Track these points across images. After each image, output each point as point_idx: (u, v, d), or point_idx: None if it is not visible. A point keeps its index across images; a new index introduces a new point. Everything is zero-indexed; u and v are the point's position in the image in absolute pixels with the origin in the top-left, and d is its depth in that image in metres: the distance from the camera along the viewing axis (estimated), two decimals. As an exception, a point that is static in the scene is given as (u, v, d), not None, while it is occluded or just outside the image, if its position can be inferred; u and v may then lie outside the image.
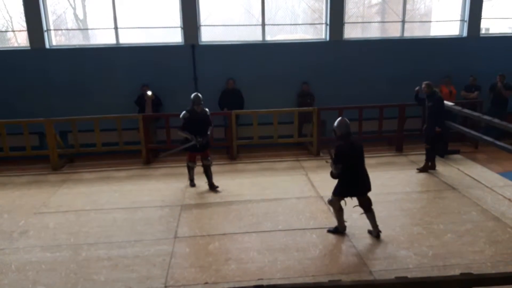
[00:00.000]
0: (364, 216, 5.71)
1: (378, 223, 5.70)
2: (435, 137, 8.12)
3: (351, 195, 5.59)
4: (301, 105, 10.00)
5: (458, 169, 8.31)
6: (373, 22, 11.35)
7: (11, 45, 10.47)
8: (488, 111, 9.67)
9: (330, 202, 5.74)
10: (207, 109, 7.47)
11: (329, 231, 5.86)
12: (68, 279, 4.91)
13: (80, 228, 6.16)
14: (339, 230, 5.81)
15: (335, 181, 5.59)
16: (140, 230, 6.05)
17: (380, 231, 5.69)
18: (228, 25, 10.55)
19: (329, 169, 5.55)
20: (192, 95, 7.35)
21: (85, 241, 5.77)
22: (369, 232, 5.78)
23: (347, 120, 5.60)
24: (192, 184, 7.72)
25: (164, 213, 6.62)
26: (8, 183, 8.20)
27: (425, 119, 8.39)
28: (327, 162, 5.74)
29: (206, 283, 4.77)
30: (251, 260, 5.22)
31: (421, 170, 8.22)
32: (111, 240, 5.79)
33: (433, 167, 8.25)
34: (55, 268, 5.13)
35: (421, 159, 8.90)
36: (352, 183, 5.51)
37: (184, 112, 7.25)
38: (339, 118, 5.64)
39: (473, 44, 10.71)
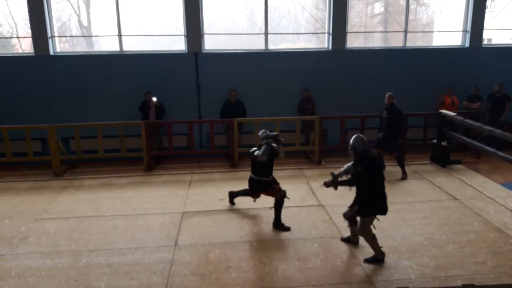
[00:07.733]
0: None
1: (379, 233, 5.66)
2: (400, 146, 8.59)
3: (380, 213, 5.20)
4: (301, 111, 10.03)
5: (460, 180, 8.28)
6: (375, 32, 11.41)
7: (15, 51, 10.55)
8: (487, 120, 9.70)
9: (361, 230, 5.24)
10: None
11: (367, 260, 5.31)
12: (68, 286, 4.91)
13: (80, 234, 6.16)
14: (379, 258, 5.27)
15: (336, 190, 5.56)
16: (141, 237, 6.04)
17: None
18: (231, 34, 10.62)
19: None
20: (274, 133, 6.69)
21: (86, 248, 5.76)
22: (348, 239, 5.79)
23: (363, 136, 5.36)
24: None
25: (165, 221, 6.61)
26: (10, 189, 8.21)
27: (382, 129, 8.64)
28: (332, 174, 5.58)
29: (206, 291, 4.76)
30: (252, 269, 5.21)
31: (403, 178, 8.40)
32: (112, 247, 5.78)
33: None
34: (55, 275, 5.13)
35: (423, 169, 8.92)
36: (381, 199, 5.19)
37: (270, 146, 6.43)
38: (355, 136, 5.37)
39: (475, 55, 10.74)
